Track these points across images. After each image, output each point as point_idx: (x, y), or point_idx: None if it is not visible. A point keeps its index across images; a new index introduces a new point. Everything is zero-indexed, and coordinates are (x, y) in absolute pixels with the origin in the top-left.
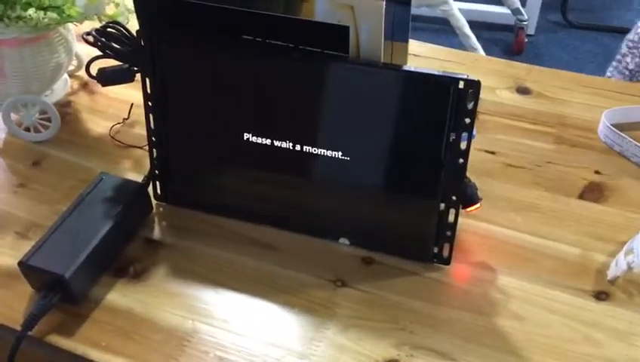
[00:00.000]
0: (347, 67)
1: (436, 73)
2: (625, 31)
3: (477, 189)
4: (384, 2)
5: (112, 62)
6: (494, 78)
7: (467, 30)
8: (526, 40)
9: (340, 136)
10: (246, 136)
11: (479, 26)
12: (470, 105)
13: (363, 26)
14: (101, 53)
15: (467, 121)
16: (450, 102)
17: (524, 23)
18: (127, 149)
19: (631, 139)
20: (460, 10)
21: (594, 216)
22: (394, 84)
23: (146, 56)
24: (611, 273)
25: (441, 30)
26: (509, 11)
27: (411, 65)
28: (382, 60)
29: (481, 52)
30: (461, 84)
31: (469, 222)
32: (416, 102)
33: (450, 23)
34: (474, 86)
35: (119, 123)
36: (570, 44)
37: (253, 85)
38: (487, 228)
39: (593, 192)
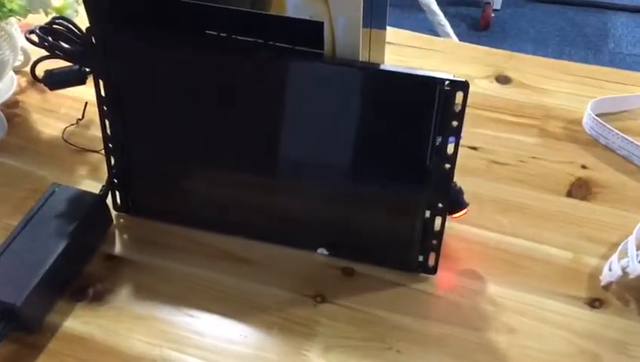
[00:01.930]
0: (322, 66)
1: (420, 73)
2: (589, 4)
3: (463, 193)
4: None
5: (60, 62)
6: (473, 67)
7: (434, 7)
8: (492, 15)
9: (317, 140)
10: (213, 139)
11: (445, 2)
12: (458, 107)
13: (339, 20)
14: (48, 53)
15: (454, 123)
16: (436, 104)
17: None
18: (82, 153)
19: (617, 131)
20: None
21: (583, 216)
22: (374, 84)
23: (99, 56)
24: (605, 278)
25: (406, 7)
26: None
27: (389, 64)
28: (360, 56)
29: (449, 29)
30: (447, 85)
31: (453, 226)
32: (399, 104)
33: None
34: (461, 87)
35: (73, 124)
36: (536, 19)
37: (220, 85)
38: (473, 231)
39: (581, 189)
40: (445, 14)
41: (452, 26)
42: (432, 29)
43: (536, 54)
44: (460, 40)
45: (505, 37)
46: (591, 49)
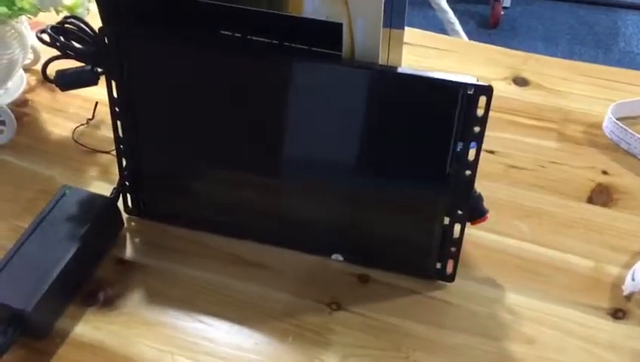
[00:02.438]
0: (340, 69)
1: (443, 77)
2: (599, 3)
3: (483, 200)
4: None
5: (71, 62)
6: (489, 68)
7: (444, 4)
8: (502, 12)
9: (333, 143)
10: (225, 142)
11: None
12: (481, 113)
13: (359, 22)
14: (59, 53)
15: (476, 129)
16: (459, 109)
17: None
18: (92, 154)
19: (639, 136)
20: None
21: (604, 223)
22: (394, 88)
23: (111, 56)
24: (627, 288)
25: (416, 3)
26: None
27: (408, 67)
28: (379, 59)
29: (458, 27)
30: (471, 90)
31: (471, 232)
32: (420, 108)
33: None
34: (485, 92)
35: (83, 124)
36: (546, 17)
37: (233, 87)
38: (491, 238)
39: (602, 195)
40: (454, 11)
41: (461, 24)
42: (441, 27)
43: (547, 53)
44: (469, 38)
45: (514, 35)
46: (601, 48)
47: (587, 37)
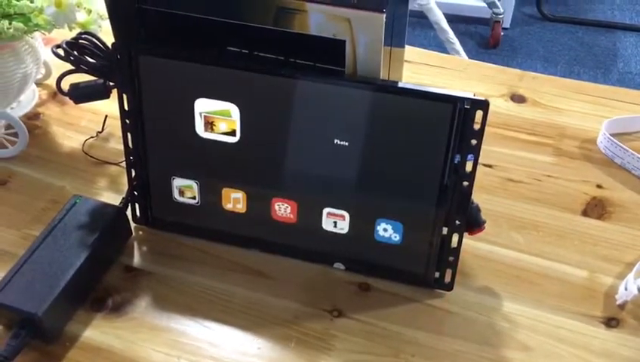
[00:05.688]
0: (343, 84)
1: (441, 92)
2: (598, 24)
3: (480, 211)
4: (384, 15)
5: (84, 76)
6: (487, 85)
7: (444, 24)
8: (502, 33)
9: (336, 156)
10: (232, 155)
11: (455, 20)
12: (477, 126)
13: (361, 39)
14: (73, 67)
15: (473, 142)
16: (456, 123)
17: (500, 16)
18: (102, 166)
19: (633, 152)
20: (436, 3)
21: (598, 235)
22: (394, 102)
23: (123, 71)
24: (621, 297)
25: (417, 23)
26: (484, 4)
27: (407, 82)
28: (381, 74)
29: (458, 46)
30: (468, 104)
31: (469, 243)
32: (419, 121)
33: (426, 17)
34: (482, 106)
35: (93, 137)
36: (545, 37)
37: (240, 101)
38: (488, 248)
39: (596, 208)
40: (454, 32)
41: (461, 44)
42: (441, 47)
43: (546, 73)
44: (469, 58)
45: (514, 55)
46: (600, 68)
47: (586, 58)
